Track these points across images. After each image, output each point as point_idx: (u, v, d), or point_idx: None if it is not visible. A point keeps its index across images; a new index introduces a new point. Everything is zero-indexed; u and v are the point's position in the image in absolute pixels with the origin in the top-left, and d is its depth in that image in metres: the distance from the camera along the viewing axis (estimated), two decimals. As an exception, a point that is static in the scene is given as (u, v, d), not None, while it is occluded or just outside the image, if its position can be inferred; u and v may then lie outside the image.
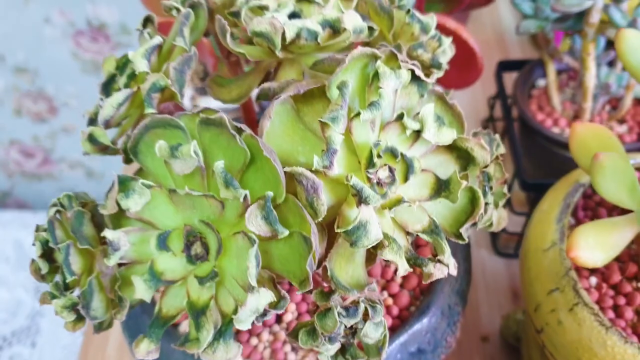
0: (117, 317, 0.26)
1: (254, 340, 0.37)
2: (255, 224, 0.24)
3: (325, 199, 0.25)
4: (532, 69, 0.58)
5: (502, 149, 0.34)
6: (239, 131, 0.26)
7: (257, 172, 0.26)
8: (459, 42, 0.47)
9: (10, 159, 1.36)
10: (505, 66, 0.59)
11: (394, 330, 0.37)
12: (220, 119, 0.25)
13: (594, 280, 0.39)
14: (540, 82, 0.58)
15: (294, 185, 0.26)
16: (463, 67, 0.48)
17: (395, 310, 0.39)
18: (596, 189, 0.32)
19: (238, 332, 0.37)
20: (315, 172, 0.26)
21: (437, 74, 0.36)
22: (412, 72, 0.29)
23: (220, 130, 0.25)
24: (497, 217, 0.34)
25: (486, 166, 0.30)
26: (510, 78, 0.61)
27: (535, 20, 0.51)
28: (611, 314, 0.37)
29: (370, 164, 0.27)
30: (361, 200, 0.26)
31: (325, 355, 0.28)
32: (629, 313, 0.37)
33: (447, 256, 0.28)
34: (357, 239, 0.26)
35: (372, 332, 0.29)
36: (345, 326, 0.28)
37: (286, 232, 0.25)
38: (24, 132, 1.30)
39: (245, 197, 0.25)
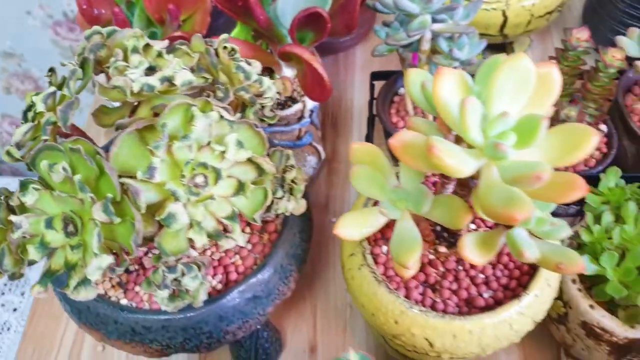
0: (21, 269, 0.42)
1: (137, 288, 0.53)
2: (98, 214, 0.40)
3: (145, 199, 0.41)
4: (396, 80, 0.72)
5: (292, 161, 0.49)
6: (95, 154, 0.41)
7: (104, 182, 0.41)
8: (312, 69, 0.61)
9: (3, 130, 1.52)
10: (376, 76, 0.74)
11: (237, 282, 0.53)
12: (80, 147, 0.41)
13: (385, 248, 0.54)
14: (401, 90, 0.72)
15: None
16: (317, 87, 0.63)
17: (241, 268, 0.54)
18: (354, 187, 0.47)
19: (128, 282, 0.53)
20: (143, 180, 0.41)
21: (267, 104, 0.51)
22: (224, 112, 0.44)
23: (79, 154, 0.40)
24: (295, 206, 0.49)
25: (285, 171, 0.46)
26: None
27: (387, 45, 0.65)
28: (391, 272, 0.53)
29: (184, 174, 0.42)
30: (175, 198, 0.42)
31: (159, 298, 0.44)
32: (397, 278, 0.53)
33: (237, 234, 0.44)
34: (168, 224, 0.41)
35: (190, 283, 0.44)
36: (172, 279, 0.44)
37: (118, 220, 0.40)
38: (13, 108, 1.46)
39: (92, 198, 0.40)
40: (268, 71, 0.74)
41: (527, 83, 0.40)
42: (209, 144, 0.43)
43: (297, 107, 0.69)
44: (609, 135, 0.68)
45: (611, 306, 0.56)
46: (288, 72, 0.70)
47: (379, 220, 0.48)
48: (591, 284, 0.57)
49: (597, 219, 0.57)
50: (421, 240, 0.45)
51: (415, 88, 0.48)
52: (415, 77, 0.49)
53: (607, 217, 0.56)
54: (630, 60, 0.62)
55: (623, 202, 0.56)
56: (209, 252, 0.55)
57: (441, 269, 0.53)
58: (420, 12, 0.59)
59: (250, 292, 0.53)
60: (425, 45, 0.63)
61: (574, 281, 0.57)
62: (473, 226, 0.55)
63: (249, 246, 0.56)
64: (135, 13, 0.68)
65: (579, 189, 0.38)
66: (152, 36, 0.68)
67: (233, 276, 0.54)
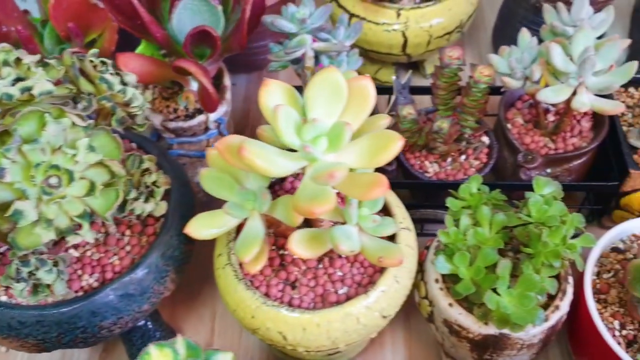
0: None
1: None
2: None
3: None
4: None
5: (146, 164, 0.53)
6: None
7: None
8: (200, 82, 0.66)
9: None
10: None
11: (112, 280, 0.57)
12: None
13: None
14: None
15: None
16: (206, 99, 0.67)
17: (118, 268, 0.58)
18: (205, 189, 0.51)
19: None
20: (-4, 180, 0.45)
21: (136, 113, 0.55)
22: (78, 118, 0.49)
23: None
24: (154, 207, 0.53)
25: (143, 174, 0.50)
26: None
27: (278, 63, 0.70)
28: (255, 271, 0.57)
29: (33, 174, 0.46)
30: (25, 196, 0.46)
31: (17, 290, 0.48)
32: (268, 270, 0.57)
33: (85, 231, 0.48)
34: (16, 220, 0.45)
35: (45, 277, 0.48)
36: (28, 272, 0.48)
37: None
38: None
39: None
40: (178, 86, 0.78)
41: (340, 94, 0.44)
42: (60, 147, 0.47)
43: (199, 118, 0.74)
44: (490, 147, 0.72)
45: (470, 304, 0.59)
46: (195, 86, 0.75)
47: (230, 220, 0.52)
48: (453, 283, 0.61)
49: (458, 222, 0.61)
50: (263, 237, 0.49)
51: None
52: (271, 87, 0.52)
53: (465, 220, 0.60)
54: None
55: (479, 205, 0.60)
56: (89, 252, 0.58)
57: (303, 267, 0.56)
58: (297, 31, 0.64)
59: (123, 290, 0.56)
60: (308, 62, 0.67)
61: (436, 281, 0.60)
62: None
63: (128, 247, 0.60)
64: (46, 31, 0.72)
65: (381, 186, 0.42)
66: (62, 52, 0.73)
67: (109, 275, 0.58)
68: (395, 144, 0.43)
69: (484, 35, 1.00)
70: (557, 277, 0.60)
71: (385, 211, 0.60)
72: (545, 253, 0.56)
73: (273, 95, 0.44)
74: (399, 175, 0.75)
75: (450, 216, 0.61)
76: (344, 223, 0.49)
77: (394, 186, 0.68)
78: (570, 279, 0.60)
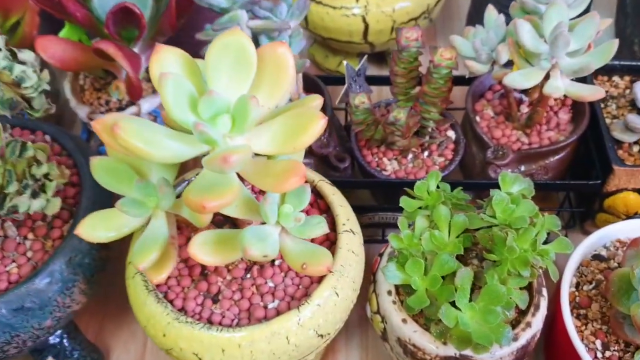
0: None
1: None
2: None
3: None
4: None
5: (30, 152, 0.44)
6: None
7: None
8: (124, 65, 0.58)
9: None
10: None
11: (5, 291, 0.48)
12: None
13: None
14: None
15: None
16: (130, 85, 0.59)
17: (15, 277, 0.50)
18: (98, 180, 0.43)
19: None
20: None
21: (31, 95, 0.47)
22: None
23: None
24: (42, 204, 0.45)
25: (30, 165, 0.42)
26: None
27: (216, 45, 0.62)
28: (172, 282, 0.48)
29: None
30: None
31: None
32: (186, 280, 0.48)
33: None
34: None
35: None
36: None
37: None
38: None
39: None
40: (112, 76, 0.70)
41: (246, 62, 0.36)
42: None
43: (130, 110, 0.66)
44: (457, 142, 0.64)
45: (427, 321, 0.51)
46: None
47: (132, 221, 0.43)
48: (408, 295, 0.52)
49: (413, 225, 0.53)
50: (166, 240, 0.41)
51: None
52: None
53: (420, 222, 0.52)
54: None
55: (437, 205, 0.52)
56: (-18, 259, 0.50)
57: (227, 277, 0.48)
58: (229, 6, 0.56)
59: (18, 302, 0.48)
60: (248, 44, 0.59)
61: (389, 293, 0.52)
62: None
63: (30, 253, 0.51)
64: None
65: (295, 175, 0.34)
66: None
67: (3, 285, 0.49)
68: (315, 124, 0.35)
69: (459, 25, 0.93)
70: (528, 289, 0.52)
71: (327, 212, 0.52)
72: (512, 260, 0.48)
73: (166, 63, 0.36)
74: (355, 173, 0.67)
75: (405, 218, 0.53)
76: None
77: (346, 185, 0.60)
78: (545, 292, 0.52)
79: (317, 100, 0.43)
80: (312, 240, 0.48)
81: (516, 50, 0.58)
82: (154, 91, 0.69)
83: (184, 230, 0.50)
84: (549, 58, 0.55)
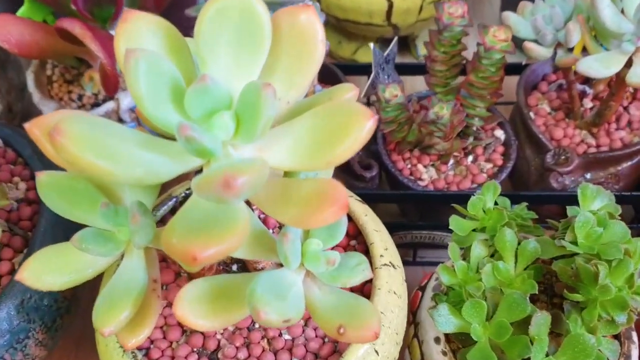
0: None
1: None
2: None
3: None
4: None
5: None
6: None
7: None
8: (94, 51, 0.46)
9: None
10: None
11: None
12: None
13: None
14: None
15: None
16: (103, 75, 0.47)
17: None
18: (45, 202, 0.31)
19: None
20: None
21: None
22: None
23: None
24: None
25: None
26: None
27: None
28: (157, 334, 0.36)
29: None
30: None
31: None
32: (175, 332, 0.36)
33: None
34: None
35: None
36: None
37: None
38: None
39: None
40: (86, 65, 0.58)
41: (256, 35, 0.24)
42: None
43: (107, 106, 0.54)
44: (507, 144, 0.52)
45: (487, 377, 0.39)
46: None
47: (97, 260, 0.31)
48: (463, 344, 0.41)
49: (467, 252, 0.41)
50: (143, 290, 0.29)
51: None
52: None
53: (478, 250, 0.40)
54: (517, 42, 0.47)
55: (500, 228, 0.40)
56: None
57: (230, 327, 0.36)
58: (228, -26, 0.44)
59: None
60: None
61: (437, 340, 0.41)
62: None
63: (-30, 294, 0.40)
64: None
65: (334, 204, 0.23)
66: None
67: None
68: (360, 126, 0.23)
69: (489, 7, 0.81)
70: (616, 336, 0.40)
71: (357, 238, 0.40)
72: (604, 302, 0.37)
73: (138, 37, 0.25)
74: (382, 183, 0.55)
75: (455, 243, 0.41)
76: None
77: (374, 199, 0.48)
78: (635, 337, 0.41)
79: (351, 91, 0.31)
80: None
81: (586, 29, 0.46)
82: (137, 84, 0.57)
83: (170, 262, 0.38)
84: (634, 39, 0.44)
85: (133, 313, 0.28)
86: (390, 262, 0.37)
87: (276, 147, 0.25)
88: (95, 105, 0.56)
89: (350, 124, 0.24)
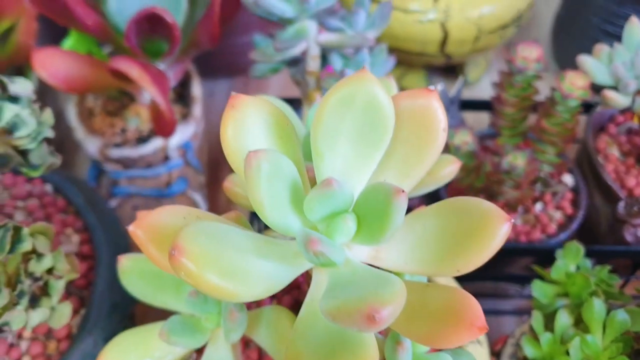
0: None
1: None
2: None
3: None
4: (297, 110, 0.54)
5: (27, 245, 0.30)
6: None
7: None
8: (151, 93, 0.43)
9: None
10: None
11: None
12: None
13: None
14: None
15: None
16: (158, 117, 0.45)
17: None
18: (127, 288, 0.28)
19: None
20: None
21: (27, 146, 0.33)
22: None
23: None
24: (44, 316, 0.30)
25: (27, 260, 0.27)
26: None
27: (267, 64, 0.47)
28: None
29: None
30: None
31: None
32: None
33: None
34: None
35: None
36: None
37: None
38: None
39: None
40: (129, 97, 0.56)
41: (381, 128, 0.22)
42: None
43: (155, 143, 0.51)
44: (576, 191, 0.50)
45: None
46: (148, 98, 0.53)
47: (175, 349, 0.29)
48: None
49: (550, 320, 0.39)
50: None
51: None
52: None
53: (563, 319, 0.38)
54: (596, 88, 0.45)
55: (586, 296, 0.38)
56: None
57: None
58: (296, 15, 0.41)
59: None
60: (312, 64, 0.45)
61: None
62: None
63: (27, 359, 0.37)
64: None
65: (472, 326, 0.20)
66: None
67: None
68: (495, 229, 0.21)
69: (539, 33, 0.78)
70: None
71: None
72: None
73: (246, 125, 0.22)
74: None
75: (538, 311, 0.39)
76: None
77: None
78: None
79: (453, 164, 0.29)
80: None
81: (670, 76, 0.43)
82: (184, 117, 0.55)
83: (251, 342, 0.36)
84: None
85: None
86: (476, 339, 0.35)
87: (394, 249, 0.22)
88: (141, 140, 0.53)
89: (483, 228, 0.21)
